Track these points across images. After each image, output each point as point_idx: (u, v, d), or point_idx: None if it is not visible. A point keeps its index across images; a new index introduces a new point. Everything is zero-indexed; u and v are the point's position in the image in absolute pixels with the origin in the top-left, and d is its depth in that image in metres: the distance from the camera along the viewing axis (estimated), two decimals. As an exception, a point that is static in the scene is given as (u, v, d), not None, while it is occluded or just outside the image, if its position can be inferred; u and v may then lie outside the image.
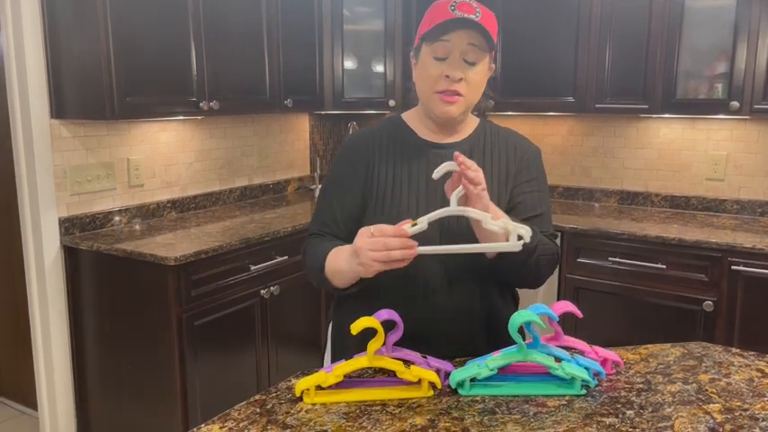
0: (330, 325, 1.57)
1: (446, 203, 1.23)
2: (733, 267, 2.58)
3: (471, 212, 1.19)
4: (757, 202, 3.08)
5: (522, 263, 1.30)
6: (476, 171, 1.19)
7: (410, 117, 1.49)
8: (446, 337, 1.37)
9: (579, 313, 1.23)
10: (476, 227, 1.28)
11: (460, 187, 1.20)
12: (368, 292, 1.37)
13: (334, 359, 1.47)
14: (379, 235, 1.16)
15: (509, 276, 1.40)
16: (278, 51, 3.09)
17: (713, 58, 2.83)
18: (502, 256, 1.28)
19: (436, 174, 1.21)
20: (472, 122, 1.49)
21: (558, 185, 3.58)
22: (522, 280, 1.43)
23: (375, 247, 1.16)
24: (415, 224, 1.17)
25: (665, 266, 2.72)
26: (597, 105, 3.10)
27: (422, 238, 1.19)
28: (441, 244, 1.34)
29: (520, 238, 1.18)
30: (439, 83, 1.34)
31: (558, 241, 2.90)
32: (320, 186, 1.52)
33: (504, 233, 1.19)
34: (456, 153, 1.19)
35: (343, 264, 1.28)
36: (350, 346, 1.37)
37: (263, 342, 2.76)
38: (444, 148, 1.42)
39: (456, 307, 1.38)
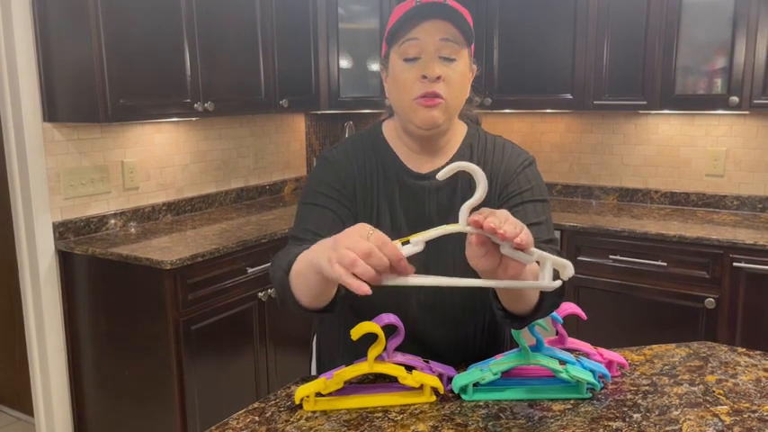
0: (314, 338, 1.51)
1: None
2: (734, 264, 2.57)
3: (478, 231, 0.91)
4: (757, 197, 3.07)
5: (555, 304, 1.12)
6: (514, 227, 0.89)
7: (390, 133, 1.32)
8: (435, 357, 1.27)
9: (584, 315, 1.21)
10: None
11: (472, 199, 0.93)
12: (353, 309, 1.31)
13: (320, 372, 1.43)
14: (375, 242, 0.89)
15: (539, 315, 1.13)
16: (272, 51, 3.07)
17: (712, 52, 2.81)
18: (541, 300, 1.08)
19: (442, 175, 0.94)
20: (457, 137, 1.31)
21: (556, 183, 3.56)
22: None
23: (356, 248, 0.88)
24: (406, 242, 0.92)
25: (665, 264, 2.70)
26: (595, 102, 3.08)
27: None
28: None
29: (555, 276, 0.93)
30: (415, 87, 1.17)
31: (557, 238, 2.88)
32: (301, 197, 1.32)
33: (530, 263, 0.92)
34: (471, 220, 0.91)
35: (315, 252, 0.99)
36: (336, 358, 1.33)
37: (261, 345, 2.73)
38: (427, 179, 1.27)
39: (447, 334, 1.30)
